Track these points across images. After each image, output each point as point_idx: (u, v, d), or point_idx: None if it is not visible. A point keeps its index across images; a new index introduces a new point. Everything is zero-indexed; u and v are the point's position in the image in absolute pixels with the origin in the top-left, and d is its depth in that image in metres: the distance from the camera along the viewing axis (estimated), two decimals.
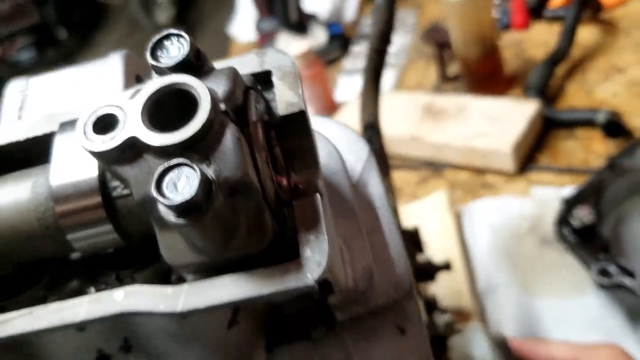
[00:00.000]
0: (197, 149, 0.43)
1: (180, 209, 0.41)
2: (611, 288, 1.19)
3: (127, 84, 0.63)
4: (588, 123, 1.54)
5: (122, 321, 0.52)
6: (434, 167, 1.66)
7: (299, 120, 0.52)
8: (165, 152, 0.44)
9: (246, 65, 0.55)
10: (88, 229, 0.51)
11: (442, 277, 1.28)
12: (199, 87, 0.45)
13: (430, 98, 1.76)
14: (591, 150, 1.51)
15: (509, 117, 1.58)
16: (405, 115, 1.73)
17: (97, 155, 0.45)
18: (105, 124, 0.45)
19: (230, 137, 0.44)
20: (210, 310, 0.46)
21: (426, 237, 1.29)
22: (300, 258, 0.47)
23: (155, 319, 0.52)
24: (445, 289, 1.34)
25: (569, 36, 1.70)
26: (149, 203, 0.44)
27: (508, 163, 1.54)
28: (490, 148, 1.56)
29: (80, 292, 0.54)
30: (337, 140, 0.65)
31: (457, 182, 1.61)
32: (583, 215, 1.28)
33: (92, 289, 0.54)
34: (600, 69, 1.68)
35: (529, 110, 1.57)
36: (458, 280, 1.37)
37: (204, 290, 0.47)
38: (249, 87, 0.51)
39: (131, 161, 0.45)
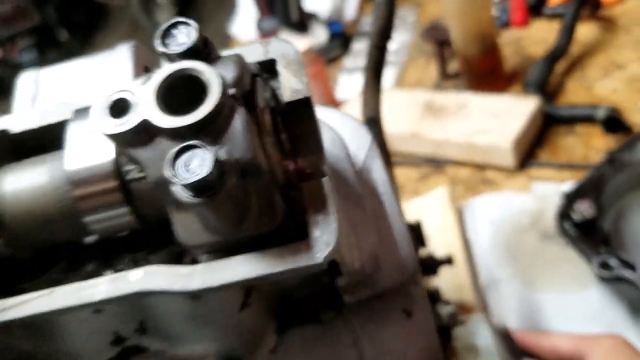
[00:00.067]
0: (208, 132, 0.45)
1: (196, 188, 0.43)
2: (612, 281, 1.20)
3: (137, 75, 0.64)
4: (588, 119, 1.55)
5: (138, 303, 0.54)
6: (434, 164, 1.68)
7: (303, 106, 0.54)
8: (177, 135, 0.45)
9: (251, 54, 0.56)
10: (104, 211, 0.53)
11: (444, 272, 1.29)
12: (209, 73, 0.46)
13: (430, 95, 1.77)
14: (591, 146, 1.52)
15: (509, 113, 1.59)
16: (406, 113, 1.75)
17: (113, 138, 0.47)
18: (119, 108, 0.47)
19: (239, 120, 0.46)
20: (224, 289, 0.48)
21: (428, 232, 1.30)
22: (309, 238, 0.48)
23: (171, 301, 0.54)
24: (447, 283, 1.35)
25: (568, 33, 1.71)
26: (163, 184, 0.46)
27: (508, 159, 1.55)
28: (490, 144, 1.57)
29: (95, 275, 0.55)
30: (340, 128, 0.66)
31: (457, 178, 1.62)
32: (584, 209, 1.29)
33: (109, 271, 0.55)
34: (600, 66, 1.70)
35: (529, 106, 1.58)
36: (460, 275, 1.38)
37: (217, 269, 0.48)
38: (256, 74, 0.53)
39: (145, 144, 0.46)
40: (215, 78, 0.45)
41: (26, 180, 0.54)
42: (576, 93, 1.66)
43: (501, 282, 1.36)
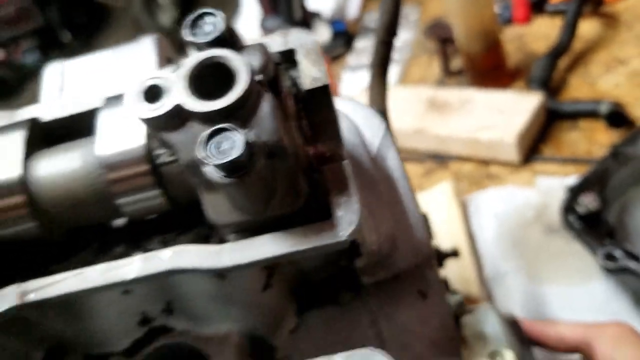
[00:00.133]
0: (237, 116, 0.47)
1: (227, 169, 0.45)
2: (617, 272, 1.22)
3: (160, 65, 0.66)
4: (591, 114, 1.57)
5: (166, 283, 0.56)
6: (438, 160, 1.70)
7: (322, 94, 0.56)
8: (208, 119, 0.47)
9: (272, 44, 0.59)
10: (136, 194, 0.55)
11: (450, 265, 1.31)
12: (237, 60, 0.49)
13: (434, 92, 1.79)
14: (594, 140, 1.55)
15: (513, 109, 1.62)
16: (410, 109, 1.77)
17: (147, 122, 0.49)
18: (152, 93, 0.49)
19: (266, 105, 0.48)
20: (252, 266, 0.50)
21: (433, 226, 1.32)
22: (333, 218, 0.50)
23: (198, 280, 0.56)
24: (453, 276, 1.37)
25: (570, 30, 1.74)
26: (195, 166, 0.48)
27: (512, 154, 1.57)
28: (494, 139, 1.59)
29: (125, 256, 0.57)
30: (355, 117, 0.69)
31: (462, 173, 1.64)
32: (588, 202, 1.31)
33: (138, 253, 0.57)
34: (602, 62, 1.72)
35: (532, 102, 1.60)
36: (466, 268, 1.40)
37: (245, 247, 0.51)
38: (278, 63, 0.55)
39: (177, 128, 0.49)
40: (243, 65, 0.48)
41: (59, 165, 0.57)
42: (579, 89, 1.68)
43: (506, 275, 1.38)
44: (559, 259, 1.37)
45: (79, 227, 0.59)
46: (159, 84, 0.49)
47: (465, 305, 1.00)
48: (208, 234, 0.57)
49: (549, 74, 1.69)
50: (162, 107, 0.48)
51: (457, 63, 1.88)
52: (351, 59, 2.21)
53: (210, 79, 0.50)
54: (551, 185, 1.48)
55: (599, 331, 0.96)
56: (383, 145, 0.65)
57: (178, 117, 0.48)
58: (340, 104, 0.69)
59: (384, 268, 0.60)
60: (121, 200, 0.56)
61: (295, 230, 0.50)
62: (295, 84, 0.57)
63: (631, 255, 1.19)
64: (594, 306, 1.27)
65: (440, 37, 1.88)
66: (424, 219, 1.19)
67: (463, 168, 1.63)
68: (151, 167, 0.54)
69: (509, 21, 1.95)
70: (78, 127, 0.59)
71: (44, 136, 0.60)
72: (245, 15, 2.73)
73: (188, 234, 0.58)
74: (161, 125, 0.49)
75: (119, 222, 0.62)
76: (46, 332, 0.61)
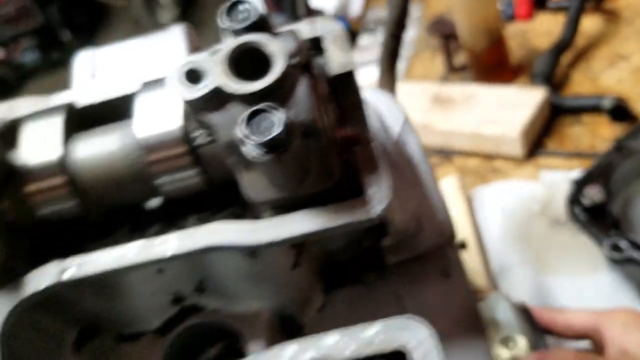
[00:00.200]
0: (275, 97, 0.49)
1: (267, 147, 0.47)
2: (622, 263, 1.24)
3: (190, 53, 0.68)
4: (594, 109, 1.59)
5: (200, 261, 0.58)
6: (443, 154, 1.72)
7: (350, 79, 0.58)
8: (247, 100, 0.50)
9: (300, 32, 0.60)
10: (174, 174, 0.58)
11: None
12: (274, 43, 0.51)
13: (438, 87, 1.81)
14: (597, 134, 1.57)
15: (517, 104, 1.64)
16: (414, 104, 1.79)
17: (189, 103, 0.51)
18: (193, 76, 0.51)
19: (303, 86, 0.50)
20: (288, 242, 0.52)
21: None
22: (365, 195, 0.53)
23: (231, 259, 0.58)
24: None
25: (573, 26, 1.76)
26: (234, 145, 0.50)
27: (517, 148, 1.59)
28: (499, 134, 1.61)
29: (161, 235, 0.59)
30: (376, 104, 0.71)
31: (466, 168, 1.66)
32: (593, 194, 1.33)
33: (174, 231, 0.59)
34: (605, 57, 1.74)
35: (536, 97, 1.62)
36: (473, 260, 1.42)
37: (281, 224, 0.53)
38: (308, 49, 0.57)
39: (217, 109, 0.51)
40: (279, 48, 0.50)
41: (99, 147, 0.59)
42: (582, 84, 1.70)
43: (512, 267, 1.39)
44: (565, 251, 1.39)
45: (114, 207, 0.61)
46: (199, 67, 0.51)
47: (477, 293, 1.02)
48: (241, 213, 0.59)
49: (552, 69, 1.71)
50: (203, 89, 0.51)
51: (460, 59, 1.90)
52: (355, 56, 2.23)
53: (245, 63, 0.52)
54: (556, 178, 1.50)
55: (608, 317, 0.98)
56: (403, 131, 0.67)
57: (218, 98, 0.51)
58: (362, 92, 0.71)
59: (408, 248, 0.62)
60: (159, 180, 0.58)
61: (328, 207, 0.53)
62: (322, 70, 0.59)
63: (636, 246, 1.21)
64: (600, 297, 1.29)
65: (444, 33, 1.90)
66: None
67: (468, 163, 1.65)
68: (189, 148, 0.56)
69: (511, 18, 1.97)
70: (112, 112, 0.62)
71: (80, 120, 0.62)
72: None
73: (222, 213, 0.60)
74: (201, 107, 0.51)
75: (153, 204, 0.64)
76: (80, 311, 0.63)
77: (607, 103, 1.55)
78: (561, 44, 1.74)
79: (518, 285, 1.35)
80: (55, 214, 0.59)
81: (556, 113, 1.65)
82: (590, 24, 1.83)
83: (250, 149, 0.48)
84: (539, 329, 1.02)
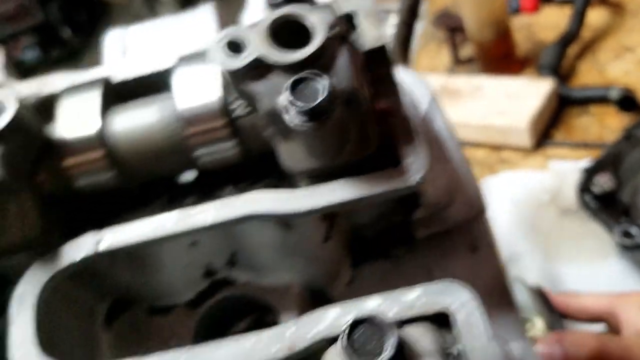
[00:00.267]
0: (317, 66, 0.50)
1: (312, 114, 0.48)
2: (633, 249, 1.25)
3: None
4: (601, 100, 1.61)
5: (234, 233, 0.59)
6: None
7: (382, 53, 0.59)
8: (289, 69, 0.50)
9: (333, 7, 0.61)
10: (213, 146, 0.58)
11: None
12: (314, 15, 0.52)
13: (445, 79, 1.82)
14: (605, 125, 1.58)
15: (524, 95, 1.65)
16: None
17: (230, 74, 0.52)
18: (235, 46, 0.52)
19: (343, 55, 0.51)
20: (327, 210, 0.53)
21: None
22: (402, 164, 0.54)
23: (265, 231, 0.59)
24: None
25: (579, 18, 1.77)
26: (275, 115, 0.51)
27: (525, 139, 1.60)
28: (507, 125, 1.62)
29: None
30: (402, 80, 0.71)
31: (474, 159, 1.67)
32: (603, 182, 1.34)
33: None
34: (611, 49, 1.75)
35: (544, 87, 1.64)
36: None
37: (319, 192, 0.54)
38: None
39: (258, 78, 0.52)
40: (319, 19, 0.51)
41: (137, 119, 0.60)
42: (588, 76, 1.71)
43: (522, 256, 1.40)
44: (574, 239, 1.40)
45: (151, 179, 0.62)
46: (240, 38, 0.52)
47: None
48: (277, 184, 0.60)
49: (559, 61, 1.72)
50: (245, 58, 0.51)
51: (465, 52, 1.91)
52: None
53: (282, 35, 0.53)
54: (564, 168, 1.51)
55: (623, 300, 0.99)
56: (431, 107, 0.68)
57: (259, 68, 0.51)
58: None
59: (439, 221, 0.63)
60: (197, 152, 0.58)
61: (366, 176, 0.53)
62: (355, 45, 0.60)
63: None
64: (610, 285, 1.29)
65: (449, 26, 1.91)
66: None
67: (476, 154, 1.66)
68: (228, 120, 0.57)
69: (517, 11, 1.98)
70: (147, 87, 0.62)
71: (116, 95, 0.63)
72: (251, 9, 2.75)
73: (258, 185, 0.61)
74: (243, 77, 0.52)
75: (188, 177, 0.65)
76: (113, 284, 0.64)
77: (614, 94, 1.57)
78: (567, 36, 1.76)
79: (528, 273, 1.36)
80: (93, 185, 0.60)
81: (563, 104, 1.66)
82: (595, 16, 1.84)
83: (293, 117, 0.49)
84: (555, 312, 1.03)
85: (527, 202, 1.50)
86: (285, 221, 0.58)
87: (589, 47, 1.78)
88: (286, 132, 0.51)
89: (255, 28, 0.52)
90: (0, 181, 0.56)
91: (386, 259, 0.66)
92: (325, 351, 0.48)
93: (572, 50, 1.77)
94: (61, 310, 0.61)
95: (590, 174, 1.37)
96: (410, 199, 0.58)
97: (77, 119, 0.60)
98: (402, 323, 0.47)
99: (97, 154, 0.59)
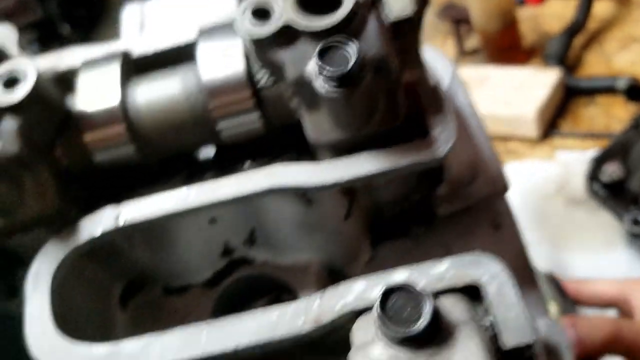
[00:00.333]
0: (346, 32, 0.49)
1: (341, 79, 0.47)
2: None
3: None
4: (608, 90, 1.60)
5: (255, 209, 0.58)
6: None
7: (409, 24, 0.58)
8: (317, 35, 0.49)
9: None
10: (237, 118, 0.57)
11: None
12: None
13: None
14: (612, 115, 1.57)
15: (531, 85, 1.64)
16: None
17: (257, 41, 0.51)
18: (262, 13, 0.51)
19: (373, 22, 0.50)
20: (353, 183, 0.52)
21: None
22: (430, 135, 0.52)
23: (286, 207, 0.58)
24: None
25: (585, 8, 1.77)
26: (302, 83, 0.50)
27: (532, 129, 1.59)
28: (514, 115, 1.61)
29: None
30: (425, 56, 0.70)
31: None
32: (612, 171, 1.33)
33: None
34: (617, 40, 1.75)
35: (551, 77, 1.63)
36: None
37: (346, 164, 0.53)
38: None
39: (286, 45, 0.51)
40: None
41: (158, 91, 0.58)
42: (595, 66, 1.71)
43: (529, 246, 1.39)
44: (582, 229, 1.39)
45: (171, 154, 0.61)
46: (266, 4, 0.51)
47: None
48: (297, 159, 0.59)
49: (565, 51, 1.72)
50: (272, 25, 0.50)
51: (471, 43, 1.90)
52: None
53: (309, 2, 0.52)
54: (571, 159, 1.51)
55: (635, 285, 0.98)
56: (453, 83, 0.67)
57: (287, 35, 0.50)
58: None
59: (461, 198, 0.62)
60: (220, 125, 0.57)
61: (394, 148, 0.52)
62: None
63: None
64: (617, 273, 1.29)
65: (455, 18, 1.90)
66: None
67: None
68: (252, 91, 0.56)
69: (522, 2, 1.97)
70: (167, 60, 0.61)
71: (136, 69, 0.62)
72: None
73: (277, 160, 0.59)
74: (270, 44, 0.51)
75: (206, 153, 0.64)
76: (129, 263, 0.63)
77: (622, 84, 1.56)
78: (574, 26, 1.75)
79: (535, 262, 1.35)
80: (112, 160, 0.59)
81: (570, 94, 1.65)
82: (602, 7, 1.84)
83: (322, 84, 0.48)
84: (567, 298, 1.02)
85: (534, 193, 1.50)
86: (307, 196, 0.57)
87: (595, 38, 1.78)
88: (313, 101, 0.50)
89: None
90: (17, 155, 0.55)
91: (406, 238, 0.64)
92: (351, 324, 0.47)
93: (579, 40, 1.76)
94: (76, 289, 0.60)
95: (598, 162, 1.36)
96: (434, 173, 0.57)
97: (97, 92, 0.59)
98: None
99: (118, 127, 0.58)
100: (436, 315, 0.42)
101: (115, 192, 0.60)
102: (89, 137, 0.58)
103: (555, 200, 1.46)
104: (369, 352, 0.43)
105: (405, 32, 0.57)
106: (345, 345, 0.46)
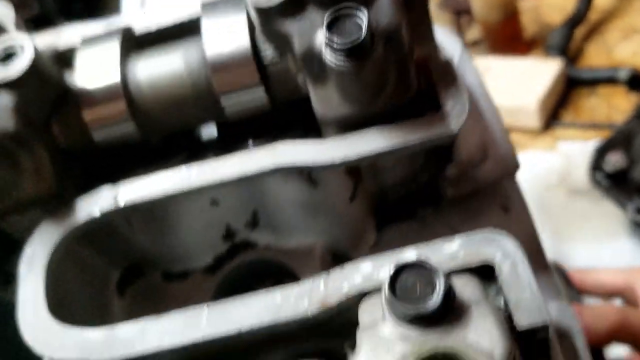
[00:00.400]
0: (358, 1, 0.47)
1: (351, 51, 0.45)
2: None
3: None
4: (609, 81, 1.59)
5: (257, 189, 0.56)
6: None
7: None
8: (326, 4, 0.47)
9: None
10: (242, 93, 0.55)
11: None
12: None
13: None
14: (613, 105, 1.56)
15: (533, 75, 1.63)
16: None
17: (264, 12, 0.49)
18: None
19: None
20: (362, 161, 0.50)
21: None
22: (442, 110, 0.51)
23: (290, 188, 0.56)
24: None
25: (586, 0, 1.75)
26: (311, 55, 0.48)
27: (534, 120, 1.58)
28: (515, 106, 1.60)
29: None
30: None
31: None
32: (615, 160, 1.32)
33: None
34: (618, 30, 1.74)
35: (552, 68, 1.61)
36: None
37: (354, 141, 0.51)
38: None
39: (294, 15, 0.49)
40: None
41: (163, 66, 0.56)
42: (596, 57, 1.69)
43: None
44: (584, 219, 1.38)
45: (173, 132, 0.59)
46: None
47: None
48: (302, 137, 0.57)
49: (567, 42, 1.71)
50: None
51: (472, 35, 1.88)
52: None
53: None
54: (573, 149, 1.50)
55: None
56: (462, 60, 0.65)
57: (294, 4, 0.49)
58: None
59: (470, 180, 0.60)
60: (224, 100, 0.55)
61: (405, 123, 0.50)
62: None
63: None
64: (620, 264, 1.28)
65: (456, 9, 1.89)
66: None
67: None
68: (257, 65, 0.54)
69: None
70: (169, 35, 0.59)
71: (137, 45, 0.60)
72: None
73: (283, 137, 0.58)
74: (277, 15, 0.49)
75: (208, 134, 0.62)
76: (127, 248, 0.60)
77: (623, 74, 1.55)
78: (575, 17, 1.74)
79: None
80: (112, 139, 0.57)
81: (572, 85, 1.64)
82: None
83: (332, 56, 0.46)
84: (573, 287, 1.01)
85: (536, 184, 1.48)
86: (311, 176, 0.55)
87: (596, 29, 1.76)
88: (321, 75, 0.48)
89: None
90: (13, 132, 0.53)
91: (412, 220, 0.62)
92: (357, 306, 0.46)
93: (580, 31, 1.75)
94: (72, 274, 0.58)
95: (601, 152, 1.35)
96: (444, 152, 0.55)
97: (96, 68, 0.56)
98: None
99: (118, 103, 0.56)
100: (449, 292, 0.40)
101: (115, 172, 0.58)
102: (87, 114, 0.56)
103: (558, 191, 1.45)
104: (379, 331, 0.41)
105: (417, 6, 0.55)
106: (350, 328, 0.44)
